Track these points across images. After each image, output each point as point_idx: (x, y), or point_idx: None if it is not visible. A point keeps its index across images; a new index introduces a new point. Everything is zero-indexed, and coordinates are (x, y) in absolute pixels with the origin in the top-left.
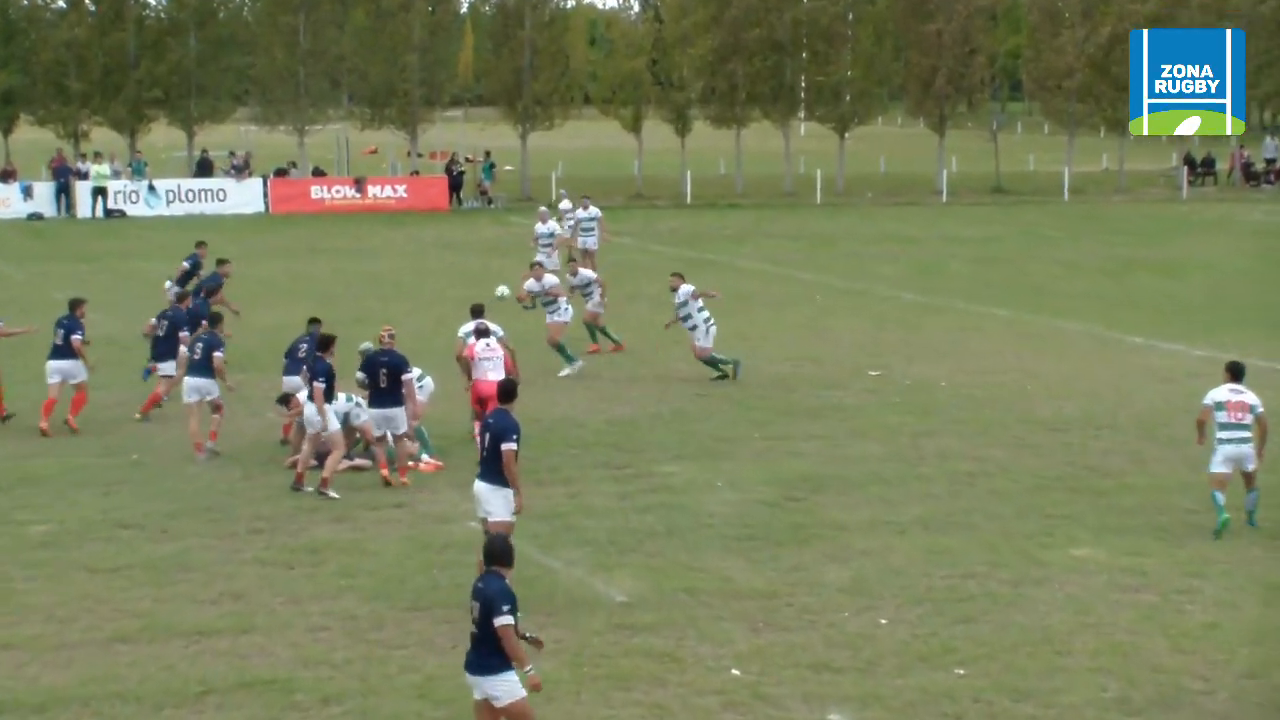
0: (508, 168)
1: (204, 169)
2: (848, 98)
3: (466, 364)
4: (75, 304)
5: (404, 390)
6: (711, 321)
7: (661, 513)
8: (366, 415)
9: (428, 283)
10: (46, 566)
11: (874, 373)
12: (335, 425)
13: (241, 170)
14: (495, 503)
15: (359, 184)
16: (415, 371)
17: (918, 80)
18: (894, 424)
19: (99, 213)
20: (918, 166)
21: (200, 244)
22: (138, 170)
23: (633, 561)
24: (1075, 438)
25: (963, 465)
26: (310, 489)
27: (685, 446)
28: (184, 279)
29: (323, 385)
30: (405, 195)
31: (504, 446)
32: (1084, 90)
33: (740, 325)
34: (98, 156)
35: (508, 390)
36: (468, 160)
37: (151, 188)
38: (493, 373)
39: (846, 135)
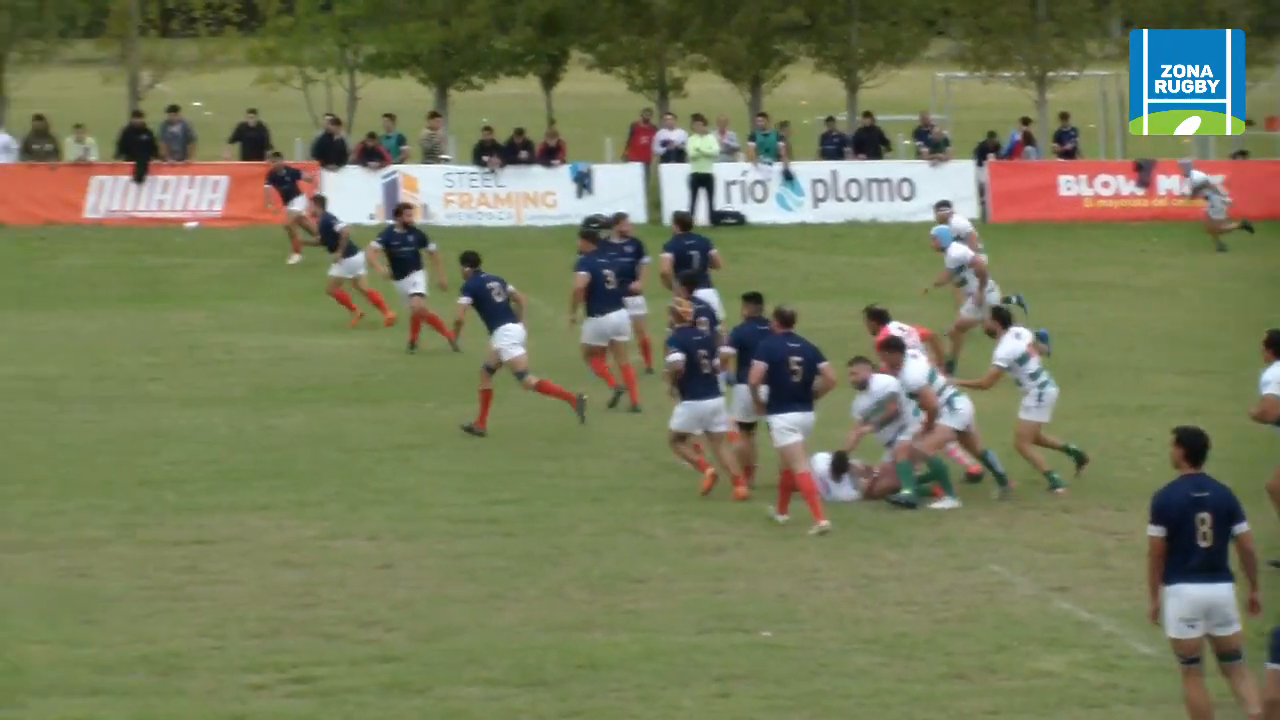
0: None
1: (865, 144)
2: None
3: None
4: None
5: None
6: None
7: None
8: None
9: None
10: None
11: None
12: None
13: (938, 147)
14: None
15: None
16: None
17: None
18: None
19: (700, 216)
20: None
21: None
22: (765, 146)
23: None
24: None
25: None
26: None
27: None
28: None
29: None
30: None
31: (1238, 529)
32: None
33: None
34: (697, 123)
35: None
36: None
37: (788, 176)
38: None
39: None
